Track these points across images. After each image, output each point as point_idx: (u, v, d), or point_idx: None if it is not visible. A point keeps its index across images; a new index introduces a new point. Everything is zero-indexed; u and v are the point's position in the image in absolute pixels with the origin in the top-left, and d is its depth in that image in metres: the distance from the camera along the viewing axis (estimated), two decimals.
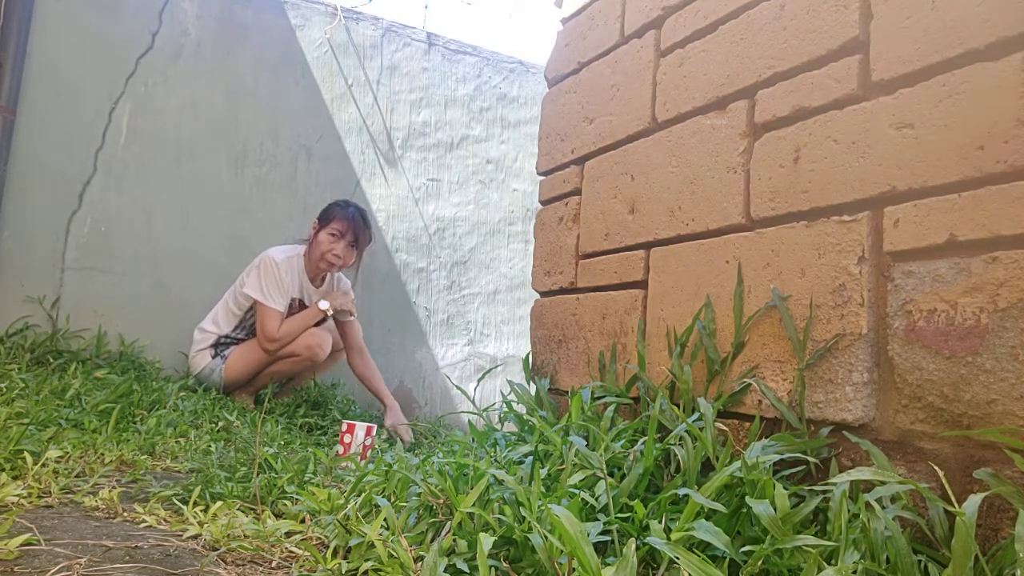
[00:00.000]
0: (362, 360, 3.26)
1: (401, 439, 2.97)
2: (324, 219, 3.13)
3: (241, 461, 1.81)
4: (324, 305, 3.07)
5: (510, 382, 2.13)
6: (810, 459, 1.28)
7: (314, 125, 3.73)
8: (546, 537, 1.01)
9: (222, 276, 3.34)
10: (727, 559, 1.02)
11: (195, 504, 1.45)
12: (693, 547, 1.02)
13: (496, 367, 4.09)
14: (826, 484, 1.09)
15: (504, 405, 2.02)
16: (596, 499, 1.23)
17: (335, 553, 1.19)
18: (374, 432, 2.11)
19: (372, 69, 3.91)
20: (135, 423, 2.20)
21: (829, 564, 0.96)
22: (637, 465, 1.31)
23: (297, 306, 3.14)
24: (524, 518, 1.15)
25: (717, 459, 1.30)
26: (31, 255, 3.09)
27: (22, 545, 1.14)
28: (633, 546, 0.90)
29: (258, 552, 1.23)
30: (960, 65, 1.20)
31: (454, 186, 4.12)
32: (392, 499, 1.41)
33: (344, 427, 2.11)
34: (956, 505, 0.90)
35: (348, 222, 3.10)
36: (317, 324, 3.12)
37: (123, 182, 3.29)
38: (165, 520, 1.39)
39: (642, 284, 1.86)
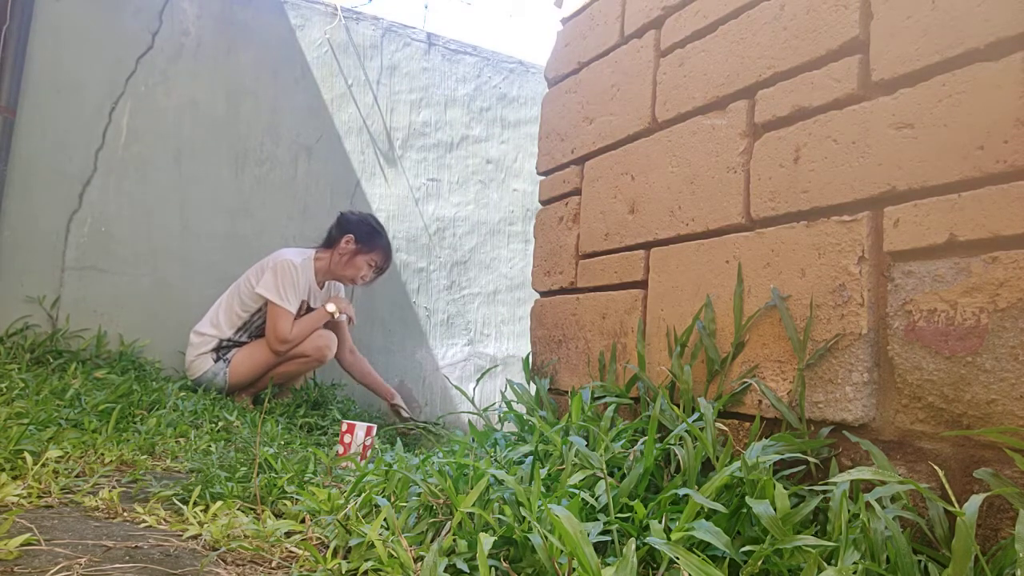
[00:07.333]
0: (354, 356, 3.40)
1: (401, 412, 3.30)
2: (366, 242, 3.19)
3: (241, 461, 1.81)
4: (331, 308, 3.16)
5: (510, 382, 2.13)
6: (810, 459, 1.28)
7: (314, 125, 3.73)
8: (546, 537, 1.01)
9: (222, 276, 3.34)
10: (727, 559, 1.02)
11: (195, 504, 1.45)
12: (693, 547, 1.02)
13: (496, 367, 4.09)
14: (826, 484, 1.09)
15: (504, 405, 2.02)
16: (596, 499, 1.23)
17: (335, 553, 1.19)
18: (374, 432, 2.11)
19: (372, 69, 3.91)
20: (135, 423, 2.20)
21: (829, 564, 0.96)
22: (637, 465, 1.31)
23: (304, 308, 3.17)
24: (524, 518, 1.15)
25: (717, 459, 1.30)
26: (31, 255, 3.09)
27: (22, 545, 1.14)
28: (633, 546, 0.90)
29: (258, 552, 1.23)
30: (960, 65, 1.20)
31: (454, 186, 4.12)
32: (392, 499, 1.41)
33: (344, 427, 2.11)
34: (956, 505, 0.90)
35: (387, 259, 3.29)
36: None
37: (123, 182, 3.29)
38: (165, 520, 1.39)
39: (642, 284, 1.86)
